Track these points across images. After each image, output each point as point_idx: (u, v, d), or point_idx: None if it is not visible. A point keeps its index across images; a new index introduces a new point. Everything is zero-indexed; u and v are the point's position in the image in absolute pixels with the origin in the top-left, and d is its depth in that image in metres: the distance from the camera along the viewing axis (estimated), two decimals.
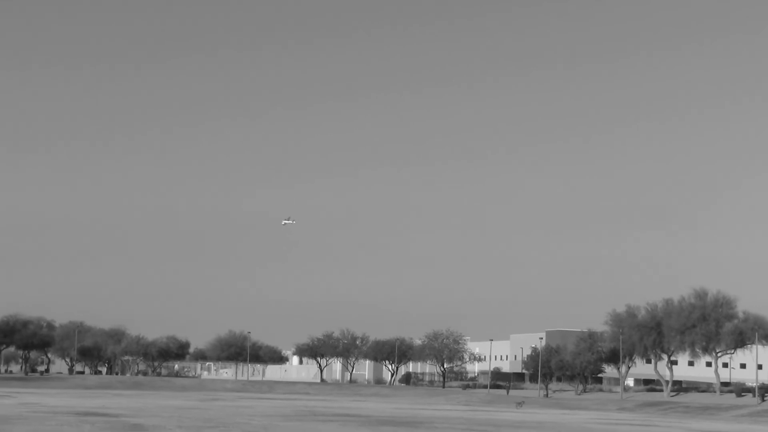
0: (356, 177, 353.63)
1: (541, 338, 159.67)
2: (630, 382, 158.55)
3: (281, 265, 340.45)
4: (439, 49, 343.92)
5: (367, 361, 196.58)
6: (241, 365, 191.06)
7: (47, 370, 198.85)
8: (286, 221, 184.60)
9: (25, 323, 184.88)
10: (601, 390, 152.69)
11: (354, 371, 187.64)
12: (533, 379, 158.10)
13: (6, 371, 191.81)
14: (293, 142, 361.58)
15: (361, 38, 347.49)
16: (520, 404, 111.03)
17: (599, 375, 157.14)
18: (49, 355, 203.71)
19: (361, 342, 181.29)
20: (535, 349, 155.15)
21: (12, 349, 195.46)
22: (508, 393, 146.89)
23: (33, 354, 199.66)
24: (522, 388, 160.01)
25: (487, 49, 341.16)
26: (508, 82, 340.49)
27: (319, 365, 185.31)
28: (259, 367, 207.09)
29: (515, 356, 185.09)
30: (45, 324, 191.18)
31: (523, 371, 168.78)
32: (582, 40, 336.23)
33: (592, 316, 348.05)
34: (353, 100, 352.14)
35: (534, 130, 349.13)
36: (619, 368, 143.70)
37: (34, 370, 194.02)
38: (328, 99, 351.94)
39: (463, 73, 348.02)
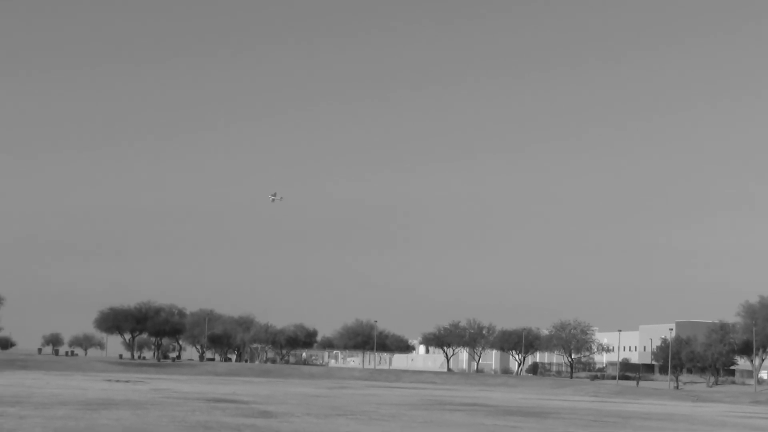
0: (483, 165, 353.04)
1: (671, 329, 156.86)
2: (764, 374, 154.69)
3: (407, 254, 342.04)
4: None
5: (494, 351, 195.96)
6: (368, 354, 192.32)
7: (179, 357, 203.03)
8: (273, 197, 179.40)
9: (158, 311, 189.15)
10: (733, 382, 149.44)
11: (480, 361, 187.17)
12: (663, 370, 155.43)
13: (139, 357, 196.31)
14: (417, 128, 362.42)
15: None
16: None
17: (731, 367, 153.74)
18: (181, 342, 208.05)
19: (488, 332, 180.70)
20: (664, 341, 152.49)
21: (145, 335, 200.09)
22: (637, 384, 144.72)
23: (165, 341, 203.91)
24: (651, 380, 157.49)
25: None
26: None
27: (446, 355, 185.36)
28: (385, 355, 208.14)
29: (644, 347, 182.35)
30: (176, 311, 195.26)
31: (653, 362, 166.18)
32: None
33: (721, 308, 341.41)
34: (465, 84, 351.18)
35: (651, 114, 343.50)
36: (752, 360, 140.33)
37: (166, 357, 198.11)
38: (445, 83, 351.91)
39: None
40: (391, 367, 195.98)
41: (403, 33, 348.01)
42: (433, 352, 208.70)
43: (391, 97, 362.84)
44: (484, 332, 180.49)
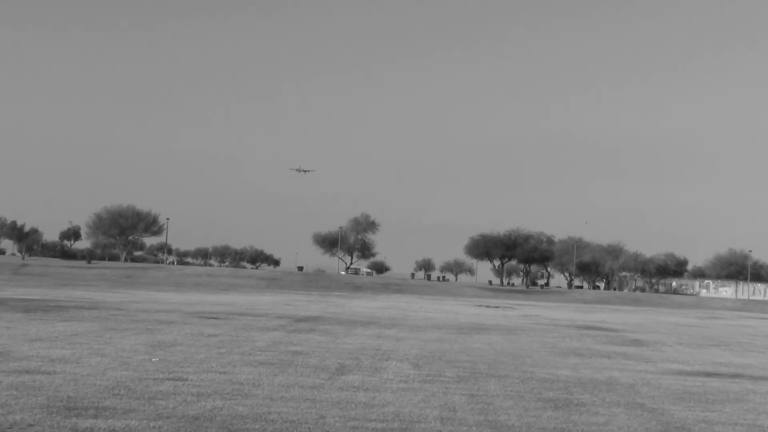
0: None
1: None
2: None
3: None
4: None
5: None
6: (741, 284, 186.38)
7: (547, 284, 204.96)
8: (298, 170, 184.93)
9: (527, 238, 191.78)
10: None
11: None
12: None
13: (508, 284, 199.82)
14: None
15: None
16: None
17: None
18: (549, 269, 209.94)
19: None
20: None
21: (514, 262, 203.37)
22: None
23: (533, 268, 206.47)
24: None
25: None
26: None
27: None
28: (760, 286, 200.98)
29: None
30: (545, 239, 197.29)
31: None
32: None
33: None
34: None
35: None
36: None
37: (534, 284, 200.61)
38: None
39: None
40: (765, 298, 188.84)
41: None
42: None
43: None
44: None
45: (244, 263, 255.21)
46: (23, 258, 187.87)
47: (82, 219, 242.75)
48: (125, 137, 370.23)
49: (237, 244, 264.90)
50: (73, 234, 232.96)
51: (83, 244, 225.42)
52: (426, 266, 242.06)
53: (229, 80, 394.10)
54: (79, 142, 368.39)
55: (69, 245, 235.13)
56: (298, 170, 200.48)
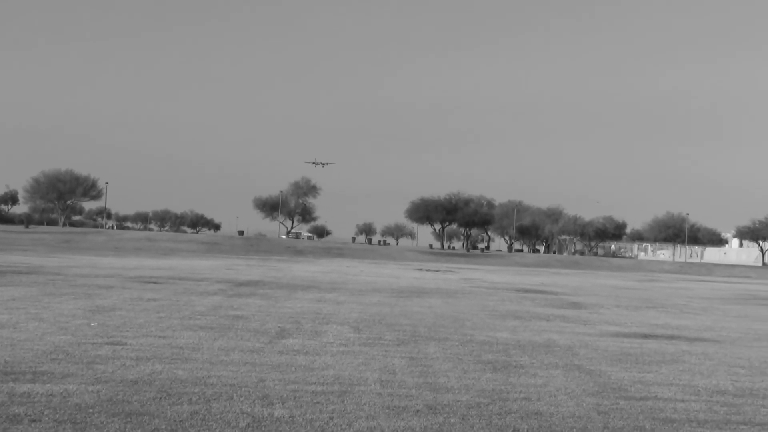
0: None
1: None
2: None
3: (719, 145, 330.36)
4: None
5: None
6: (678, 247, 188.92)
7: (487, 248, 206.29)
8: (315, 163, 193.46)
9: (467, 201, 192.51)
10: None
11: None
12: None
13: (449, 247, 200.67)
14: (733, 16, 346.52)
15: None
16: None
17: None
18: (489, 233, 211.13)
19: None
20: None
21: (454, 226, 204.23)
22: None
23: (474, 231, 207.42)
24: None
25: None
26: None
27: (761, 249, 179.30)
28: (697, 249, 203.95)
29: None
30: (485, 203, 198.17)
31: None
32: None
33: None
34: None
35: None
36: None
37: (474, 247, 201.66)
38: None
39: None
40: (702, 261, 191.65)
41: None
42: (747, 246, 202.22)
43: None
44: None
45: (185, 228, 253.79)
46: None
47: (19, 183, 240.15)
48: (64, 101, 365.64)
49: (177, 208, 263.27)
50: (11, 198, 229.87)
51: (21, 208, 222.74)
52: (367, 230, 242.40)
53: (165, 46, 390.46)
54: (17, 106, 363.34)
55: (6, 210, 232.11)
56: (315, 163, 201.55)
